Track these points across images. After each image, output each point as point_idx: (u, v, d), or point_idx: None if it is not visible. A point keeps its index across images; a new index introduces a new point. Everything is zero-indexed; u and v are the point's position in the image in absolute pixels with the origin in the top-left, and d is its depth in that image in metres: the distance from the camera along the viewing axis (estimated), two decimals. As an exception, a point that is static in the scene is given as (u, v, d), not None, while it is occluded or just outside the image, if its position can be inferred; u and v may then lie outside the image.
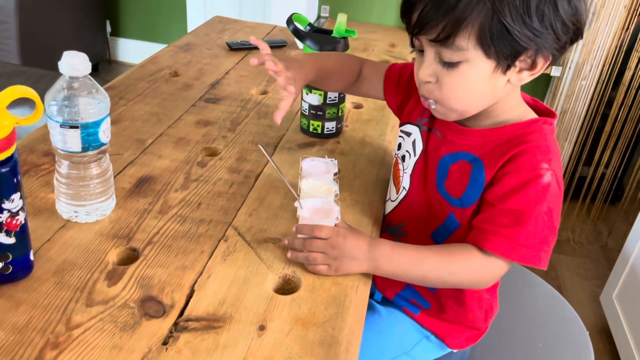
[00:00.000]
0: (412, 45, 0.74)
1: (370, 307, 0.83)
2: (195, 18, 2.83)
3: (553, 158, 0.72)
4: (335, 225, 0.74)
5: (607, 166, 2.17)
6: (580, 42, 1.94)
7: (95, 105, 0.72)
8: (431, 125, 0.83)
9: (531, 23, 0.65)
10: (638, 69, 1.97)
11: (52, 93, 0.71)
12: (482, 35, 0.66)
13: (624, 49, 1.97)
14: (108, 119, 0.74)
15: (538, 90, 2.19)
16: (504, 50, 0.67)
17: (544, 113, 0.79)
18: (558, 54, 0.71)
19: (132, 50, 3.25)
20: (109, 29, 3.18)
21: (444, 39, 0.68)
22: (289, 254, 0.73)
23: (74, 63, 0.69)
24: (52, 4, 2.64)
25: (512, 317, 1.02)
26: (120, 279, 0.69)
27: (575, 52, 1.97)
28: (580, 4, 0.69)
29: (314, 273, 0.72)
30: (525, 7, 0.65)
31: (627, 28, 1.92)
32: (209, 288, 0.69)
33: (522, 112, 0.77)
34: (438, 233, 0.82)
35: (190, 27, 2.80)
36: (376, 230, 0.85)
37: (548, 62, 0.71)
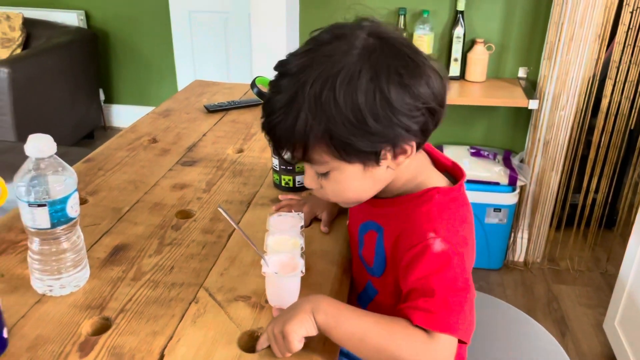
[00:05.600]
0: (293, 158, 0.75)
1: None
2: (185, 80, 2.93)
3: (441, 224, 0.72)
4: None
5: (597, 192, 2.18)
6: (555, 75, 1.99)
7: (62, 182, 0.75)
8: None
9: (370, 128, 0.66)
10: (614, 95, 2.01)
11: (20, 175, 0.74)
12: (332, 150, 0.68)
13: (598, 78, 2.01)
14: (76, 194, 0.78)
15: (520, 124, 2.22)
16: (359, 156, 0.69)
17: (459, 177, 0.80)
18: (422, 136, 0.71)
19: (126, 116, 3.34)
20: (102, 96, 3.28)
21: (303, 159, 0.71)
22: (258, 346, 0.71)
23: (39, 146, 0.73)
24: (44, 77, 2.72)
25: None
26: (92, 350, 0.70)
27: (551, 85, 2.02)
28: (419, 88, 0.67)
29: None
30: (357, 117, 0.65)
31: (599, 58, 1.97)
32: (178, 352, 0.70)
33: (422, 181, 0.77)
34: (361, 297, 0.88)
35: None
36: (346, 279, 0.86)
37: (416, 143, 0.71)
